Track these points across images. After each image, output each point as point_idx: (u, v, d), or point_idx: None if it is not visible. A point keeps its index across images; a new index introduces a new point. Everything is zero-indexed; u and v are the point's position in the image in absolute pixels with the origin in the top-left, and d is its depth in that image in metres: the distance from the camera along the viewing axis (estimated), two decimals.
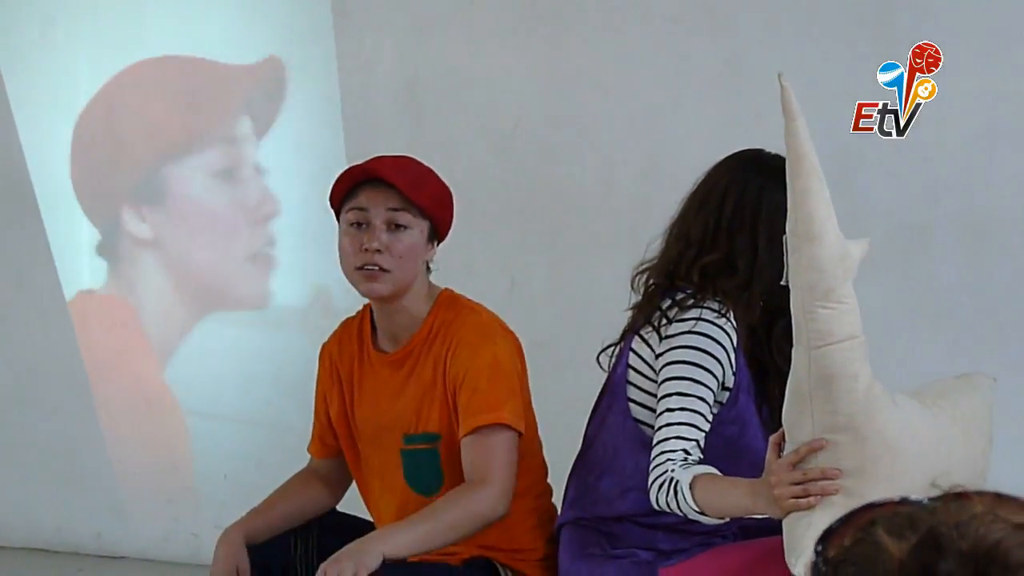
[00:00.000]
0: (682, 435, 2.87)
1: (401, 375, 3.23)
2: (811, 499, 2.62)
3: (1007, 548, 1.25)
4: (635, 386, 3.07)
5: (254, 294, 5.10)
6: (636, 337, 3.06)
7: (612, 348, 3.16)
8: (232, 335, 5.11)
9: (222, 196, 5.08)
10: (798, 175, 2.61)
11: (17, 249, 5.31)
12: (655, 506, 2.86)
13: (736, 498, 2.75)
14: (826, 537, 1.33)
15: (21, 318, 5.34)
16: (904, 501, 1.32)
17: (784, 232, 2.69)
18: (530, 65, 4.66)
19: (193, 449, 5.20)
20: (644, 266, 3.12)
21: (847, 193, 3.87)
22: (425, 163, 3.27)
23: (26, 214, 5.24)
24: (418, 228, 3.18)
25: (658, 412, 2.93)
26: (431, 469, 3.22)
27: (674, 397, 2.91)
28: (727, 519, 2.85)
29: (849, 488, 2.60)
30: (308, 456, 3.47)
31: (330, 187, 3.22)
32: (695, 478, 2.78)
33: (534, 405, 3.29)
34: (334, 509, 3.43)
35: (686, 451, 2.85)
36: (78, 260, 5.30)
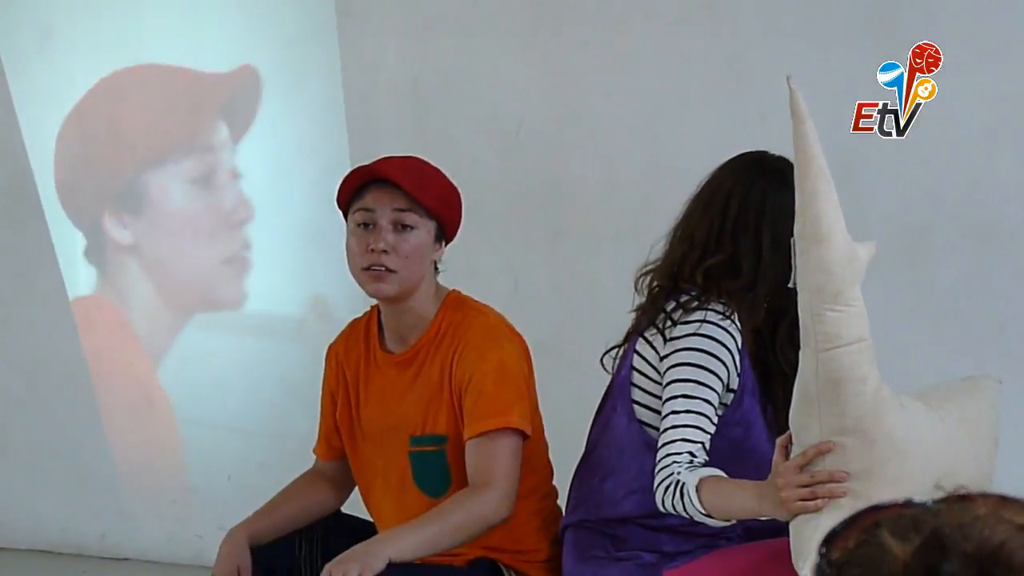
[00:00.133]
0: (687, 437, 2.87)
1: (408, 376, 3.24)
2: (818, 502, 2.62)
3: (1011, 549, 1.25)
4: (639, 388, 3.07)
5: (251, 297, 5.11)
6: (640, 339, 3.07)
7: (616, 350, 3.16)
8: (233, 338, 5.12)
9: (224, 196, 5.09)
10: (806, 177, 2.61)
11: (21, 251, 5.31)
12: (661, 508, 2.87)
13: (743, 500, 2.75)
14: (830, 539, 1.33)
15: (25, 319, 5.35)
16: (908, 503, 1.32)
17: (788, 234, 2.70)
18: (534, 66, 4.67)
19: (197, 451, 5.20)
20: (648, 268, 3.13)
21: (849, 194, 3.84)
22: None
23: (30, 216, 5.25)
24: (425, 228, 3.18)
25: (663, 414, 2.93)
26: (439, 471, 3.22)
27: (679, 399, 2.91)
28: (733, 521, 2.85)
29: (856, 491, 2.60)
30: (312, 458, 3.47)
31: (336, 188, 3.22)
32: (701, 480, 2.78)
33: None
34: (339, 511, 3.43)
35: (692, 453, 2.85)
36: (82, 262, 5.31)
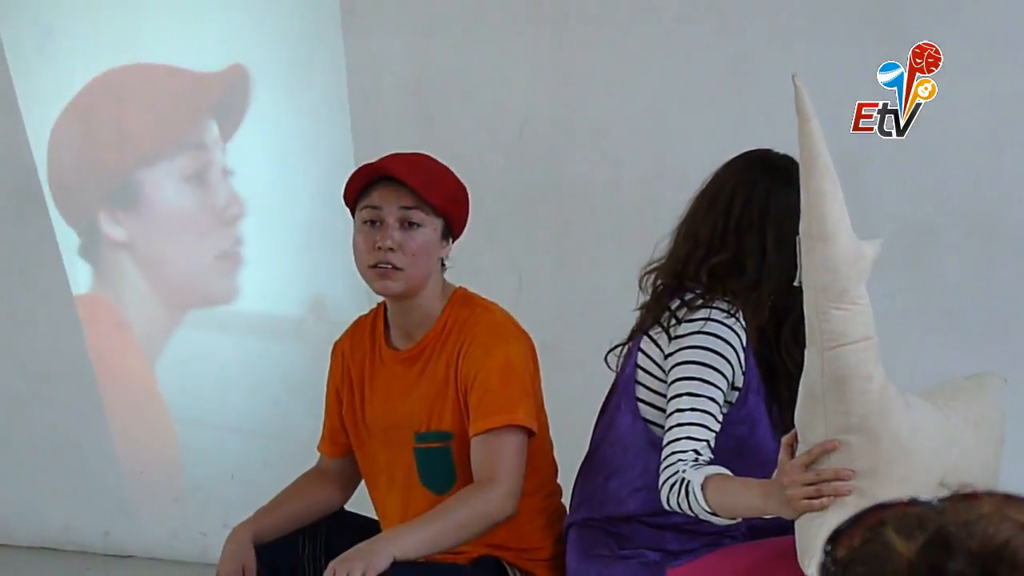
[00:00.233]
0: (693, 435, 2.87)
1: (414, 372, 3.24)
2: (824, 500, 2.61)
3: (1015, 547, 1.25)
4: (644, 386, 3.07)
5: (254, 295, 5.11)
6: (645, 337, 3.07)
7: (620, 348, 3.16)
8: (235, 337, 5.12)
9: (218, 193, 5.10)
10: (812, 176, 2.61)
11: (26, 248, 5.32)
12: (666, 506, 2.87)
13: (748, 499, 2.75)
14: (835, 537, 1.33)
15: (29, 317, 5.35)
16: (913, 502, 1.32)
17: (792, 232, 2.70)
18: (538, 65, 4.67)
19: (200, 449, 5.20)
20: (652, 266, 3.13)
21: (853, 194, 3.82)
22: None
23: (35, 213, 5.25)
24: (431, 226, 3.18)
25: (668, 412, 2.93)
26: (444, 467, 3.22)
27: (684, 397, 2.91)
28: (738, 519, 2.86)
29: (862, 489, 2.60)
30: (316, 456, 3.47)
31: (341, 186, 3.22)
32: (707, 479, 2.78)
33: None
34: (343, 508, 3.43)
35: (697, 451, 2.85)
36: (79, 260, 5.32)
